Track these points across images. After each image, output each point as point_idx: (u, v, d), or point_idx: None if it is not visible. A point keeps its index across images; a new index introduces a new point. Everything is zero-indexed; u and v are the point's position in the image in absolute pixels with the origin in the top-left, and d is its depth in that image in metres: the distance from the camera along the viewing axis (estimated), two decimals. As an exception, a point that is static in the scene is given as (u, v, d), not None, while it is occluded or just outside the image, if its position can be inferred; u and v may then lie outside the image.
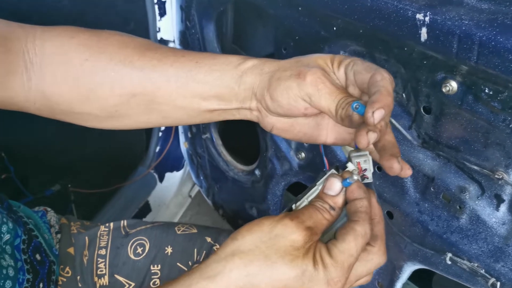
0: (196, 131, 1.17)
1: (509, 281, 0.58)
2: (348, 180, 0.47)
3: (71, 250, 0.78)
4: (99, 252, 0.79)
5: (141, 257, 0.78)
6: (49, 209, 0.82)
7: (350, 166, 0.48)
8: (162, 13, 1.06)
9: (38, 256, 0.69)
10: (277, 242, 0.44)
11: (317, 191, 0.49)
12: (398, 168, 0.43)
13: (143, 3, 1.05)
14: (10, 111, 0.62)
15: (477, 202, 0.59)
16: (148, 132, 1.32)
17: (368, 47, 0.62)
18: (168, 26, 1.07)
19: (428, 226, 0.65)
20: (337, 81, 0.50)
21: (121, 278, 0.77)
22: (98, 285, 0.76)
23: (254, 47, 1.18)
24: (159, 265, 0.78)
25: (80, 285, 0.76)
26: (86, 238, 0.80)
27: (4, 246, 0.62)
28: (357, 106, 0.44)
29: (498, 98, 0.50)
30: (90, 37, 0.56)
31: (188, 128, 1.21)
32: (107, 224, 0.82)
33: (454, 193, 0.61)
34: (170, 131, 1.30)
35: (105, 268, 0.77)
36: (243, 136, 1.03)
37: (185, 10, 0.99)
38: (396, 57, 0.59)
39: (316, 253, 0.44)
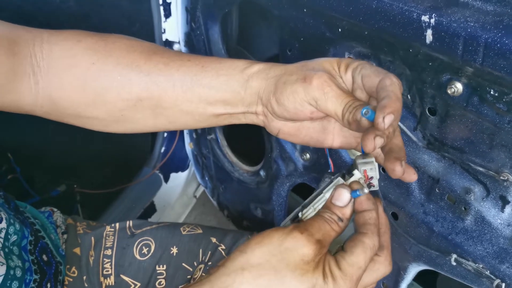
0: (201, 132, 1.17)
1: (515, 282, 0.58)
2: (358, 192, 0.47)
3: (77, 250, 0.79)
4: (105, 253, 0.79)
5: (147, 257, 0.79)
6: (55, 209, 0.83)
7: (357, 174, 0.48)
8: (167, 14, 1.06)
9: (45, 257, 0.69)
10: (287, 256, 0.43)
11: (324, 199, 0.49)
12: (400, 171, 0.44)
13: (149, 5, 1.05)
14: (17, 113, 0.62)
15: (482, 203, 0.59)
16: (153, 133, 1.33)
17: (374, 49, 0.62)
18: (173, 28, 1.07)
19: (433, 227, 0.65)
20: (344, 85, 0.50)
21: (127, 278, 0.77)
22: (104, 285, 0.77)
23: (259, 48, 1.18)
24: (165, 266, 0.79)
25: (86, 285, 0.77)
26: (92, 238, 0.80)
27: (11, 247, 0.63)
28: (367, 112, 0.44)
29: (504, 100, 0.50)
30: (97, 41, 0.57)
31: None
32: (113, 225, 0.83)
33: (459, 195, 0.61)
34: (175, 132, 1.30)
35: (111, 268, 0.78)
36: (248, 137, 1.03)
37: (190, 12, 0.99)
38: (401, 59, 0.59)
39: (325, 266, 0.44)
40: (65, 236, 0.79)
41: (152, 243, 0.80)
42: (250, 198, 1.11)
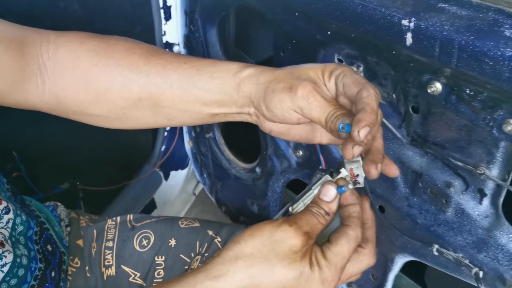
0: (200, 131, 1.19)
1: (491, 270, 0.61)
2: (343, 188, 0.51)
3: (80, 242, 0.81)
4: (106, 244, 0.81)
5: (146, 249, 0.81)
6: (59, 204, 0.85)
7: (343, 172, 0.52)
8: (168, 17, 1.08)
9: (49, 247, 0.72)
10: (277, 246, 0.47)
11: (312, 195, 0.53)
12: (375, 173, 0.47)
13: (150, 8, 1.06)
14: (21, 112, 0.64)
15: (461, 196, 0.61)
16: (154, 132, 1.33)
17: (361, 51, 0.65)
18: (173, 30, 1.09)
19: (417, 219, 0.68)
20: (328, 93, 0.52)
21: (127, 269, 0.80)
22: (105, 275, 0.79)
23: (256, 49, 1.20)
24: (163, 257, 0.81)
25: (88, 275, 0.79)
26: (94, 231, 0.83)
27: (18, 237, 0.66)
28: (343, 127, 0.47)
29: (478, 98, 0.53)
30: (99, 43, 0.59)
31: (192, 127, 1.22)
32: (114, 218, 0.85)
33: (441, 188, 0.63)
34: (175, 131, 1.31)
35: (112, 259, 0.80)
36: (245, 135, 1.05)
37: (189, 15, 1.01)
38: (386, 60, 0.62)
39: (312, 256, 0.48)
40: (68, 228, 0.82)
41: (151, 235, 0.82)
42: (247, 194, 1.12)
